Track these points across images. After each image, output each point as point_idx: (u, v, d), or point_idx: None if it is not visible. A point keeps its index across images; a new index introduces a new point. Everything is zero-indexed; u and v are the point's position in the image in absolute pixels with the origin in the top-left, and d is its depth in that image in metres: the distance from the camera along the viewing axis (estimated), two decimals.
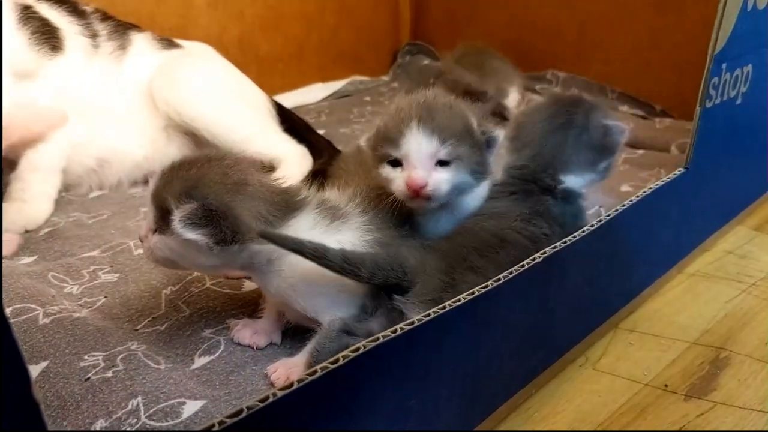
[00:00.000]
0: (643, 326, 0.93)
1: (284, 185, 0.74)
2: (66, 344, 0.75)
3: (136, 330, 0.81)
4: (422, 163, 0.75)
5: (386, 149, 0.77)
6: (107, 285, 0.91)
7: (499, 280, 0.65)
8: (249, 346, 0.78)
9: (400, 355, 0.57)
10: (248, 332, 0.79)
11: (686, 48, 1.67)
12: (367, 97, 2.03)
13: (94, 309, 0.85)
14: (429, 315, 0.58)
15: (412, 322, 0.57)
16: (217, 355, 0.76)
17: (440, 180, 0.76)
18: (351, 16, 2.09)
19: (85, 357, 0.73)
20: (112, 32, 1.32)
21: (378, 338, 0.54)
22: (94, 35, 1.29)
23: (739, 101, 1.08)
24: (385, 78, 2.20)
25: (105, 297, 0.88)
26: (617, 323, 0.93)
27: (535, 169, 0.87)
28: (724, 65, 1.00)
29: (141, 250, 1.01)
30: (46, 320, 0.80)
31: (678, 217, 1.02)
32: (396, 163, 0.77)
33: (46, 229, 1.12)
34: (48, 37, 1.20)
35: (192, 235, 0.66)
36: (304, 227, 0.72)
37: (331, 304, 0.72)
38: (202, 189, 0.67)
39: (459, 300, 0.61)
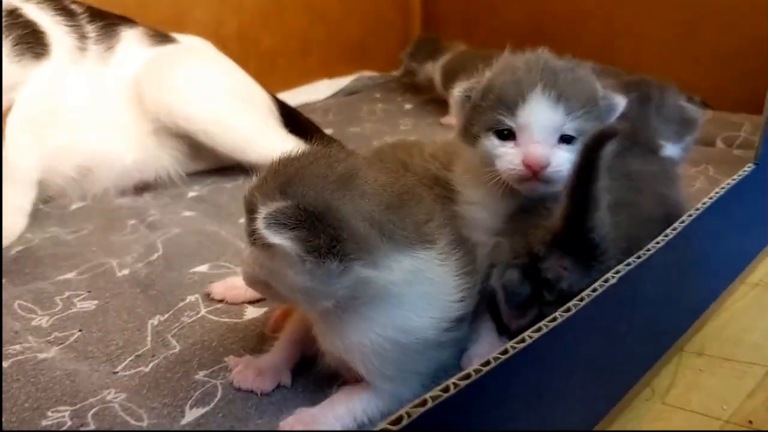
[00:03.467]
0: (711, 348, 0.84)
1: (414, 200, 0.60)
2: (26, 396, 0.65)
3: (115, 373, 0.70)
4: (544, 137, 0.66)
5: (497, 115, 0.66)
6: (83, 315, 0.81)
7: (569, 309, 0.52)
8: (252, 392, 0.66)
9: (457, 412, 0.47)
10: (251, 374, 0.66)
11: (725, 35, 1.63)
12: (377, 94, 1.97)
13: (66, 346, 0.75)
14: (489, 363, 0.46)
15: (468, 375, 0.44)
16: (212, 405, 0.64)
17: (563, 159, 0.66)
18: (357, 7, 2.04)
19: (48, 413, 0.62)
20: (101, 32, 1.25)
21: (425, 401, 0.42)
22: (82, 37, 1.22)
23: None
24: (395, 73, 2.14)
25: (80, 330, 0.78)
26: (683, 346, 0.84)
27: (629, 133, 0.78)
28: None
29: (126, 271, 0.89)
30: (5, 364, 0.69)
31: (746, 219, 0.95)
32: (506, 135, 0.67)
33: (18, 248, 1.02)
34: (31, 44, 1.13)
35: (278, 238, 0.52)
36: (429, 269, 0.59)
37: (402, 374, 0.61)
38: (298, 185, 0.55)
39: (523, 340, 0.48)
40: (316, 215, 0.53)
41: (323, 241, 0.52)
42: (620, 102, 0.72)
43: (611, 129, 0.64)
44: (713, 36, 1.64)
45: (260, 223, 0.52)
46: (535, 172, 0.65)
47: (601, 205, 0.64)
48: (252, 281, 0.60)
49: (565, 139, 0.67)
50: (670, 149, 0.86)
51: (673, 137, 0.87)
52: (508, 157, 0.66)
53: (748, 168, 0.86)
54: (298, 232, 0.52)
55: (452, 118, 1.39)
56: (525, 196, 0.72)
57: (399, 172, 0.64)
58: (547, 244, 0.67)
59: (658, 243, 0.67)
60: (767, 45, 0.89)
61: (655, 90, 0.88)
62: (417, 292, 0.58)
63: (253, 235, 0.55)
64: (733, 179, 0.83)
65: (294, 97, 1.78)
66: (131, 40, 1.28)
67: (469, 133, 0.70)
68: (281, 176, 0.56)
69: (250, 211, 0.56)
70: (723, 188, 0.80)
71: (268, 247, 0.54)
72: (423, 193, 0.63)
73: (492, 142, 0.68)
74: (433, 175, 0.78)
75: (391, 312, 0.58)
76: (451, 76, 1.76)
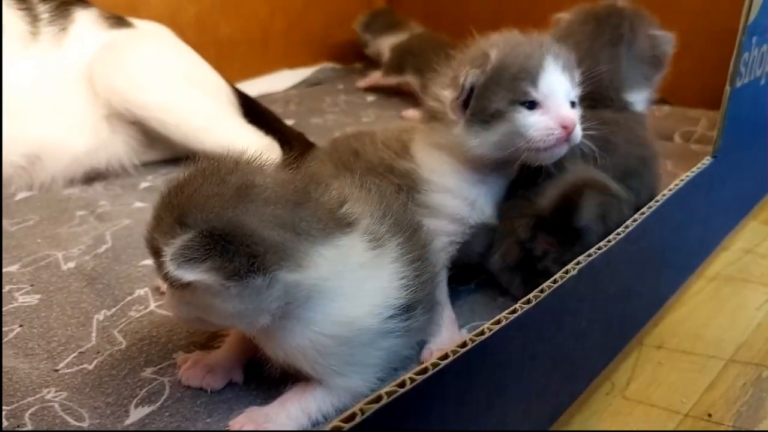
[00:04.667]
0: (670, 342, 0.85)
1: (322, 188, 0.58)
2: None
3: (56, 371, 0.67)
4: (565, 101, 0.71)
5: (521, 87, 0.69)
6: (24, 310, 0.78)
7: (529, 301, 0.51)
8: (202, 389, 0.64)
9: (414, 408, 0.46)
10: (201, 371, 0.64)
11: (682, 31, 1.59)
12: (340, 86, 1.94)
13: (6, 342, 0.72)
14: (447, 357, 0.44)
15: (425, 369, 0.43)
16: (159, 403, 0.62)
17: (578, 120, 0.72)
18: None
19: None
20: (54, 12, 1.21)
21: (380, 397, 0.41)
22: (34, 20, 1.18)
23: (763, 81, 1.01)
24: (359, 65, 2.11)
25: (20, 326, 0.75)
26: (642, 339, 0.84)
27: (595, 89, 0.82)
28: (754, 38, 0.91)
29: (72, 264, 0.86)
30: None
31: (704, 212, 0.95)
32: (531, 105, 0.71)
33: None
34: None
35: (192, 274, 0.49)
36: (356, 254, 0.57)
37: (351, 368, 0.59)
38: (195, 212, 0.51)
39: (482, 333, 0.46)
40: (223, 238, 0.50)
41: (240, 262, 0.50)
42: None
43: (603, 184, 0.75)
44: (674, 30, 1.66)
45: (170, 266, 0.49)
46: (568, 133, 0.69)
47: (589, 204, 0.73)
48: (184, 321, 0.59)
49: (572, 104, 0.73)
50: (637, 98, 0.88)
51: (641, 82, 0.88)
52: (543, 123, 0.70)
53: (706, 161, 0.86)
54: (211, 261, 0.50)
55: (414, 112, 1.39)
56: (498, 184, 0.78)
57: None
58: (533, 227, 0.75)
59: (618, 234, 0.66)
60: (724, 41, 0.90)
61: (626, 25, 0.87)
62: (349, 281, 0.57)
63: (167, 278, 0.52)
64: (692, 172, 0.83)
65: (254, 87, 1.74)
66: (86, 21, 1.24)
67: (486, 113, 0.71)
68: (175, 208, 0.53)
69: (156, 255, 0.53)
70: (682, 180, 0.80)
71: (186, 285, 0.51)
72: (328, 179, 0.62)
73: (522, 114, 0.70)
74: (387, 164, 0.78)
75: (327, 307, 0.56)
76: (402, 58, 1.77)
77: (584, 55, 0.84)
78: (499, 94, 0.70)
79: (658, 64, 0.89)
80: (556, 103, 0.70)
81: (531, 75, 0.70)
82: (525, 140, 0.70)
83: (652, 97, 0.91)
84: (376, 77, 1.86)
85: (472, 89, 0.71)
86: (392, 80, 1.80)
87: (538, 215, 0.76)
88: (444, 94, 0.74)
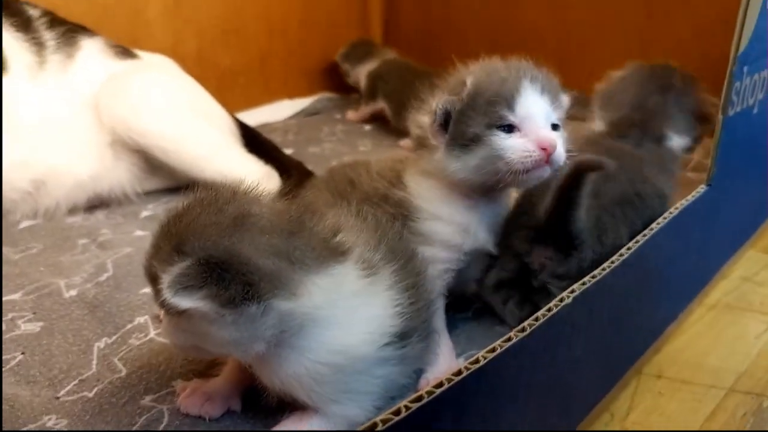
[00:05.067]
0: (670, 371, 0.84)
1: (316, 218, 0.59)
2: None
3: (57, 398, 0.67)
4: (545, 124, 0.71)
5: (497, 112, 0.69)
6: (27, 338, 0.78)
7: (524, 329, 0.51)
8: (200, 417, 0.64)
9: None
10: (199, 398, 0.64)
11: (677, 58, 1.61)
12: (337, 115, 1.95)
13: (7, 370, 0.72)
14: (442, 385, 0.44)
15: (420, 397, 0.43)
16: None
17: (560, 143, 0.71)
18: (318, 28, 2.02)
19: None
20: (61, 39, 1.22)
21: (375, 424, 0.40)
22: (40, 48, 1.19)
23: (755, 110, 1.00)
24: (356, 95, 2.11)
25: (22, 354, 0.75)
26: (641, 369, 0.84)
27: (639, 119, 0.91)
28: (745, 68, 0.92)
29: (73, 292, 0.86)
30: None
31: (700, 240, 0.94)
32: (508, 129, 0.71)
33: None
34: None
35: (189, 302, 0.50)
36: (349, 282, 0.58)
37: (347, 396, 0.59)
38: (192, 240, 0.52)
39: (477, 361, 0.46)
40: (220, 266, 0.51)
41: (235, 290, 0.51)
42: (566, 100, 0.77)
43: (598, 162, 0.72)
44: (666, 56, 1.66)
45: (166, 293, 0.50)
46: (548, 155, 0.69)
47: (582, 203, 0.73)
48: (180, 349, 0.59)
49: (554, 127, 0.72)
50: (676, 140, 0.93)
51: (684, 128, 0.95)
52: (521, 146, 0.69)
53: (701, 189, 0.87)
54: (207, 289, 0.50)
55: (409, 142, 1.40)
56: (491, 210, 0.78)
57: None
58: (530, 241, 0.76)
59: (612, 263, 0.66)
60: (718, 69, 0.91)
61: (677, 78, 0.96)
62: (343, 309, 0.57)
63: (164, 306, 0.53)
64: (686, 200, 0.83)
65: (254, 116, 1.75)
66: (92, 49, 1.26)
67: (464, 138, 0.72)
68: (174, 237, 0.54)
69: (154, 282, 0.54)
70: (676, 208, 0.80)
71: (182, 312, 0.52)
72: (324, 209, 0.63)
73: (499, 137, 0.70)
74: (382, 193, 0.78)
75: (322, 335, 0.56)
76: (374, 85, 1.79)
77: (633, 98, 0.93)
78: (476, 119, 0.71)
79: (704, 120, 0.96)
80: (534, 126, 0.70)
81: (506, 99, 0.70)
82: (504, 163, 0.70)
83: (691, 146, 0.98)
84: (363, 108, 1.86)
85: (449, 115, 0.72)
86: (371, 108, 1.81)
87: (536, 227, 0.77)
88: (424, 120, 0.76)
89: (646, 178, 0.87)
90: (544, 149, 0.69)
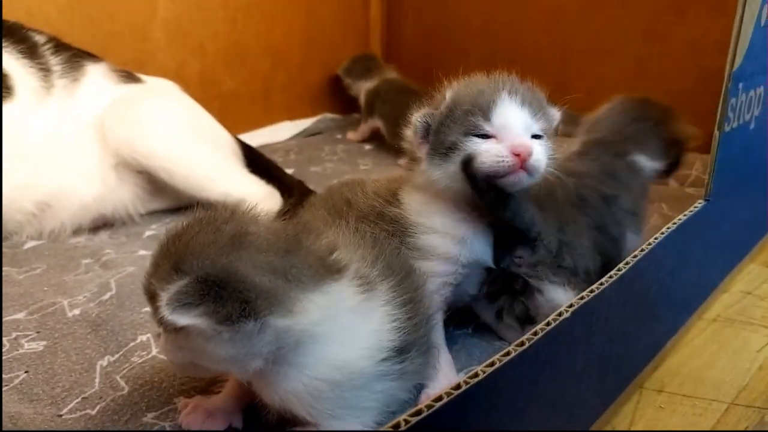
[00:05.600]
0: (671, 385, 0.84)
1: (313, 237, 0.60)
2: None
3: (60, 416, 0.67)
4: (522, 132, 0.72)
5: (473, 121, 0.71)
6: (30, 356, 0.79)
7: (523, 344, 0.51)
8: None
9: None
10: (201, 415, 0.65)
11: (675, 75, 1.65)
12: (338, 135, 1.97)
13: (11, 388, 0.72)
14: (441, 399, 0.44)
15: (420, 411, 0.43)
16: None
17: (540, 150, 0.71)
18: (319, 50, 2.04)
19: None
20: (66, 64, 1.24)
21: None
22: (46, 73, 1.21)
23: (752, 126, 1.02)
24: (356, 116, 2.13)
25: (26, 372, 0.76)
26: (642, 383, 0.83)
27: (612, 140, 0.99)
28: (741, 84, 0.93)
29: (77, 311, 0.87)
30: None
31: (699, 255, 0.95)
32: (485, 137, 0.72)
33: None
34: None
35: (186, 319, 0.51)
36: (346, 298, 0.58)
37: (346, 411, 0.59)
38: (191, 259, 0.53)
39: (476, 375, 0.47)
40: (217, 284, 0.52)
41: (232, 307, 0.51)
42: (556, 114, 0.79)
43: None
44: (663, 76, 1.67)
45: (164, 310, 0.51)
46: (522, 161, 0.69)
47: (512, 200, 0.76)
48: (178, 367, 0.59)
49: (535, 137, 0.73)
50: (646, 163, 0.99)
51: (654, 153, 1.00)
52: (494, 150, 0.70)
53: (699, 204, 0.87)
54: (205, 306, 0.51)
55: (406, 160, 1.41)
56: (484, 222, 0.78)
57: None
58: (500, 249, 0.80)
59: (611, 277, 0.66)
60: (715, 84, 0.92)
61: (655, 106, 1.02)
62: (340, 325, 0.58)
63: (162, 323, 0.53)
64: (684, 215, 0.83)
65: (256, 138, 1.77)
66: (97, 74, 1.28)
67: (443, 146, 0.73)
68: (172, 255, 0.55)
69: (152, 300, 0.55)
70: (674, 223, 0.80)
71: (180, 329, 0.52)
72: (320, 227, 0.64)
73: (474, 142, 0.71)
74: (378, 211, 0.79)
75: (319, 351, 0.57)
76: (372, 103, 1.81)
77: (612, 125, 1.01)
78: (453, 128, 0.72)
79: (679, 148, 1.01)
80: (510, 134, 0.71)
81: (483, 109, 0.71)
82: (476, 167, 0.71)
83: (659, 171, 1.02)
84: (362, 127, 1.88)
85: (429, 127, 0.74)
86: (369, 125, 1.83)
87: (496, 236, 0.81)
88: (408, 133, 0.77)
89: (589, 185, 0.93)
90: (517, 155, 0.69)
